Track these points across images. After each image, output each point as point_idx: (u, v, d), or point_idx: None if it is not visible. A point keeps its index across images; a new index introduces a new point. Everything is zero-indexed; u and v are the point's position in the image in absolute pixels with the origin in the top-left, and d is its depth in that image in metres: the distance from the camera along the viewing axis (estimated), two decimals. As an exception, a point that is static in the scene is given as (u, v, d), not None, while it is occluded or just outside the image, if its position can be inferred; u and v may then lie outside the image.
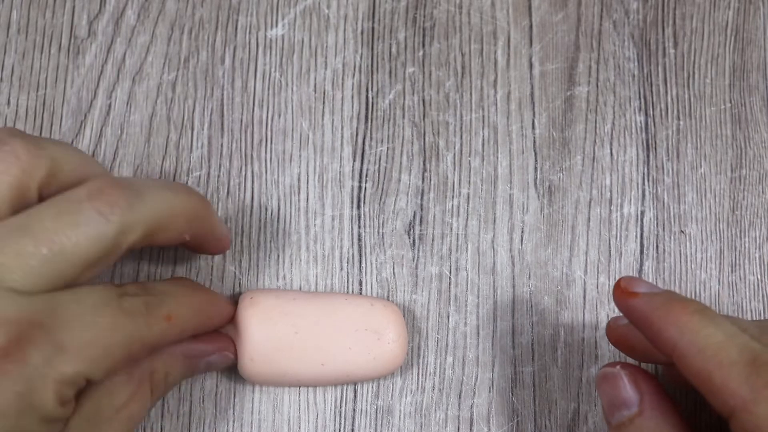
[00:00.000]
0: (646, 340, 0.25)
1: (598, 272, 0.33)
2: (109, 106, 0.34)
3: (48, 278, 0.23)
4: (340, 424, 0.31)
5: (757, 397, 0.22)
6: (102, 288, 0.25)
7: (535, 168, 0.34)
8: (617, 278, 0.33)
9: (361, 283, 0.33)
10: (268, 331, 0.29)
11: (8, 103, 0.34)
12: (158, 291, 0.27)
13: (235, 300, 0.31)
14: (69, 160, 0.25)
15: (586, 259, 0.33)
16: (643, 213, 0.34)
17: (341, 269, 0.33)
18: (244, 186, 0.33)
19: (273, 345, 0.29)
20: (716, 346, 0.23)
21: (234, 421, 0.31)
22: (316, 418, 0.31)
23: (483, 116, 0.34)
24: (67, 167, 0.25)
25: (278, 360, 0.29)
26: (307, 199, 0.33)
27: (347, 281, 0.33)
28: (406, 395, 0.32)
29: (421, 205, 0.33)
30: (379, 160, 0.34)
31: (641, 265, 0.33)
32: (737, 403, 0.22)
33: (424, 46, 0.35)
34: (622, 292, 0.26)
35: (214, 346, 0.29)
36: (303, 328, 0.29)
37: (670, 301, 0.25)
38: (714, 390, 0.23)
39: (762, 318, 0.33)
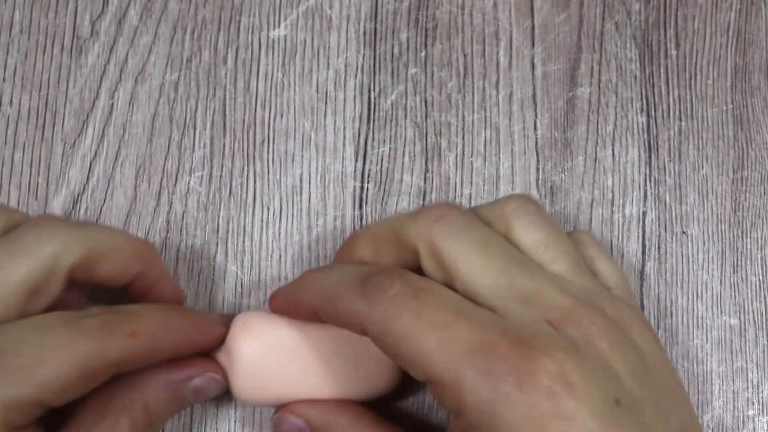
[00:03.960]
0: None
1: (599, 273, 0.33)
2: (112, 106, 0.34)
3: None
4: (342, 424, 0.31)
5: (372, 304, 0.23)
6: (59, 312, 0.25)
7: (537, 169, 0.34)
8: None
9: (363, 284, 0.33)
10: (263, 359, 0.28)
11: (11, 102, 0.34)
12: (124, 310, 0.26)
13: (229, 318, 0.30)
14: (111, 247, 0.26)
15: (588, 260, 0.33)
16: (644, 214, 0.34)
17: (343, 269, 0.33)
18: (246, 186, 0.33)
19: (267, 373, 0.28)
20: (335, 284, 0.25)
21: (236, 422, 0.31)
22: (318, 419, 0.31)
23: (485, 117, 0.34)
24: (109, 256, 0.26)
25: (273, 387, 0.28)
26: (310, 199, 0.33)
27: (349, 281, 0.33)
28: (407, 396, 0.32)
29: (423, 205, 0.33)
30: (382, 161, 0.34)
31: (643, 265, 0.33)
32: (361, 320, 0.24)
33: (426, 46, 0.35)
34: (271, 301, 0.29)
35: (197, 368, 0.27)
36: (299, 355, 0.28)
37: (299, 278, 0.27)
38: (345, 321, 0.24)
39: (763, 318, 0.33)
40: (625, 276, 0.29)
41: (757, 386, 0.32)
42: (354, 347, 0.29)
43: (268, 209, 0.33)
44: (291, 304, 0.28)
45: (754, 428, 0.32)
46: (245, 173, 0.33)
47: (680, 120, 0.35)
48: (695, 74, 0.35)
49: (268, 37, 0.35)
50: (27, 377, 0.22)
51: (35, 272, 0.24)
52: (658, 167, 0.34)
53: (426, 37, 0.35)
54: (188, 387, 0.27)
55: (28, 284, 0.24)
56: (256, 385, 0.28)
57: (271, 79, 0.34)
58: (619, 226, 0.34)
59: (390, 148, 0.34)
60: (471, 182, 0.34)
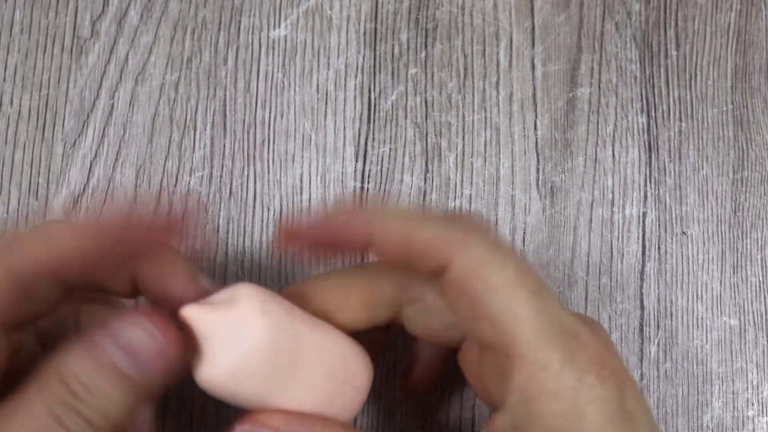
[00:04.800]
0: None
1: (600, 273, 0.33)
2: (112, 106, 0.34)
3: None
4: (342, 424, 0.31)
5: (470, 237, 0.21)
6: None
7: (537, 169, 0.34)
8: (617, 279, 0.33)
9: (363, 284, 0.33)
10: (263, 351, 0.23)
11: (11, 102, 0.34)
12: None
13: None
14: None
15: (588, 261, 0.33)
16: (645, 214, 0.34)
17: (343, 270, 0.33)
18: (247, 186, 0.33)
19: (259, 367, 0.23)
20: (406, 212, 0.23)
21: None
22: (318, 419, 0.31)
23: (485, 117, 0.34)
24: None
25: (253, 383, 0.23)
26: (310, 199, 0.33)
27: (349, 282, 0.33)
28: (408, 395, 0.32)
29: (424, 205, 0.33)
30: (382, 161, 0.34)
31: (643, 266, 0.33)
32: (451, 249, 0.21)
33: (426, 47, 0.35)
34: (287, 233, 0.24)
35: (118, 321, 0.22)
36: (290, 358, 0.24)
37: (341, 209, 0.24)
38: (419, 251, 0.22)
39: (763, 319, 0.33)
40: None
41: (757, 387, 0.32)
42: (336, 364, 0.25)
43: (268, 209, 0.33)
44: (335, 229, 0.23)
45: (753, 429, 0.32)
46: (245, 173, 0.33)
47: (680, 120, 0.35)
48: (695, 75, 0.35)
49: (268, 37, 0.35)
50: None
51: None
52: (658, 168, 0.34)
53: (426, 37, 0.35)
54: (115, 350, 0.21)
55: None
56: (239, 374, 0.23)
57: (272, 80, 0.34)
58: (619, 226, 0.34)
59: (390, 149, 0.34)
60: (471, 182, 0.34)
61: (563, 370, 0.21)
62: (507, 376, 0.21)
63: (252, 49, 0.34)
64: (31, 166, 0.33)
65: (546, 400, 0.21)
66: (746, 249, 0.33)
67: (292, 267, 0.33)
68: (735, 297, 0.33)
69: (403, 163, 0.34)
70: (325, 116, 0.34)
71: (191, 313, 0.23)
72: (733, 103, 0.35)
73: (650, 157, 0.34)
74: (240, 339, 0.23)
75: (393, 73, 0.35)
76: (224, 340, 0.23)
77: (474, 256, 0.21)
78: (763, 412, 0.32)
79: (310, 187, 0.33)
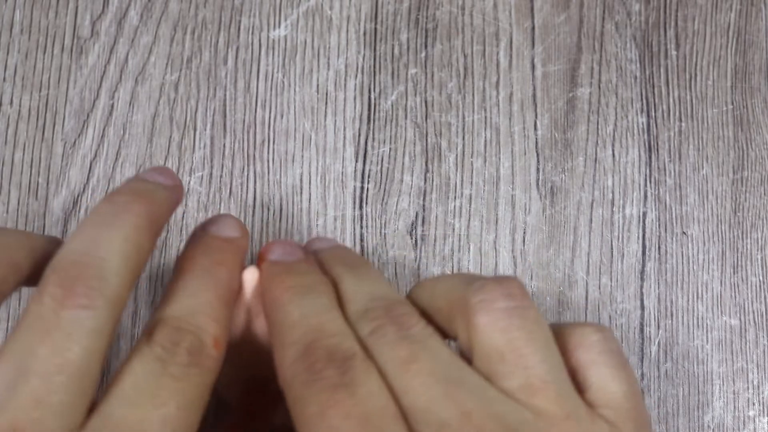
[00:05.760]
0: None
1: (600, 273, 0.33)
2: (112, 106, 0.34)
3: None
4: (342, 424, 0.31)
5: (293, 386, 0.22)
6: (141, 374, 0.21)
7: (538, 169, 0.34)
8: (617, 279, 0.33)
9: (363, 284, 0.33)
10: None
11: (11, 102, 0.34)
12: (186, 321, 0.22)
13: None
14: None
15: (588, 260, 0.33)
16: (645, 214, 0.34)
17: (343, 270, 0.33)
18: (247, 186, 0.33)
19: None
20: (292, 328, 0.24)
21: (236, 422, 0.31)
22: (318, 419, 0.31)
23: (485, 117, 0.34)
24: None
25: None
26: (310, 199, 0.33)
27: (349, 282, 0.33)
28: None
29: (424, 205, 0.33)
30: (382, 161, 0.34)
31: (643, 266, 0.33)
32: (283, 387, 0.23)
33: (426, 47, 0.35)
34: (259, 255, 0.27)
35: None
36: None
37: (272, 272, 0.26)
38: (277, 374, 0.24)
39: (763, 319, 0.33)
40: (631, 389, 0.23)
41: (758, 387, 0.32)
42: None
43: (268, 209, 0.33)
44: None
45: (754, 429, 0.32)
46: (245, 173, 0.33)
47: (680, 120, 0.35)
48: (695, 75, 0.35)
49: (268, 37, 0.35)
50: None
51: None
52: (659, 168, 0.34)
53: (426, 37, 0.35)
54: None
55: None
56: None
57: (272, 80, 0.34)
58: (619, 226, 0.33)
59: (390, 149, 0.34)
60: (471, 182, 0.34)
61: None
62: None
63: (252, 49, 0.34)
64: (31, 166, 0.33)
65: None
66: (746, 249, 0.33)
67: (292, 267, 0.33)
68: (735, 297, 0.33)
69: (403, 163, 0.34)
70: (325, 116, 0.34)
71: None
72: (733, 103, 0.35)
73: (650, 157, 0.34)
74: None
75: (393, 73, 0.35)
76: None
77: (292, 398, 0.22)
78: (764, 412, 0.32)
79: (310, 187, 0.33)
